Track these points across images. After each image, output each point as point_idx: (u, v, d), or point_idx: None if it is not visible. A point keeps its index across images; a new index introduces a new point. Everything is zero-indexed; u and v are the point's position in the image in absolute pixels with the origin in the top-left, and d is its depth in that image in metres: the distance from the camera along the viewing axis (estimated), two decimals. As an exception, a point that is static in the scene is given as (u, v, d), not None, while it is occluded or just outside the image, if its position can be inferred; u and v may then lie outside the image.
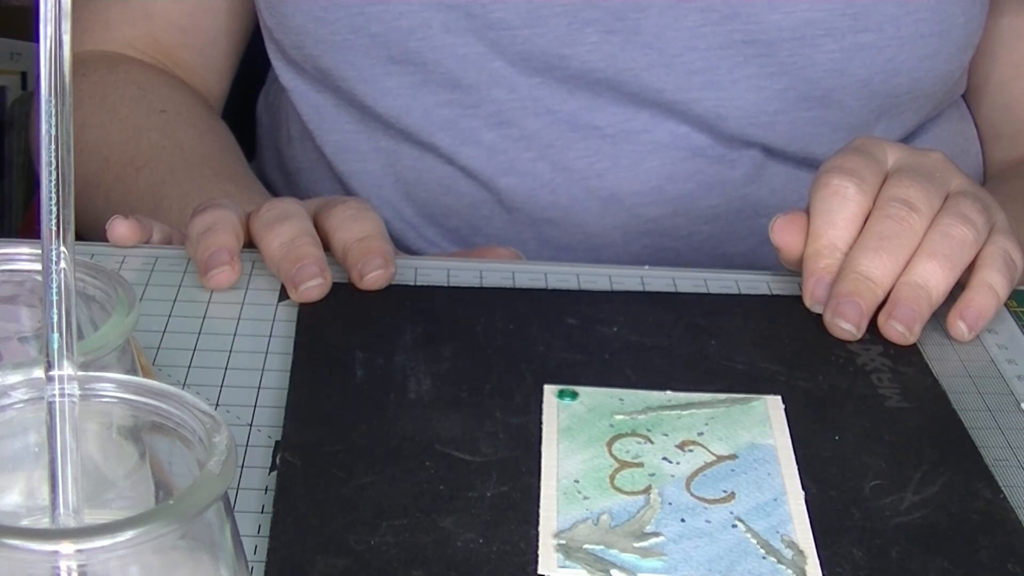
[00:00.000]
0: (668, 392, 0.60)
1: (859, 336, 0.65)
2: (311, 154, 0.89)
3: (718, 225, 0.85)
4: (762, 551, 0.51)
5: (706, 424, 0.58)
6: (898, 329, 0.65)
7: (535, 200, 0.83)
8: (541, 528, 0.51)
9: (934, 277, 0.65)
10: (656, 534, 0.51)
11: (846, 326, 0.65)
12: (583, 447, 0.56)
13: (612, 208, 0.84)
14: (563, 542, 0.51)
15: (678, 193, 0.84)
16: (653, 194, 0.84)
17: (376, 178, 0.86)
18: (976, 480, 0.56)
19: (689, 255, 0.85)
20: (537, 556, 0.50)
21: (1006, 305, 0.71)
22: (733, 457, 0.56)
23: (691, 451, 0.56)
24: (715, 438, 0.57)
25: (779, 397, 0.60)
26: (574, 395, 0.59)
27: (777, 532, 0.52)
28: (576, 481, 0.54)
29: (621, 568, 0.50)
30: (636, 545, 0.51)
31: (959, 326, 0.66)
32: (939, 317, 0.69)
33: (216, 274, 0.66)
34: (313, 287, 0.65)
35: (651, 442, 0.57)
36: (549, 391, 0.59)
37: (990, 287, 0.66)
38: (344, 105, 0.85)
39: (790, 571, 0.50)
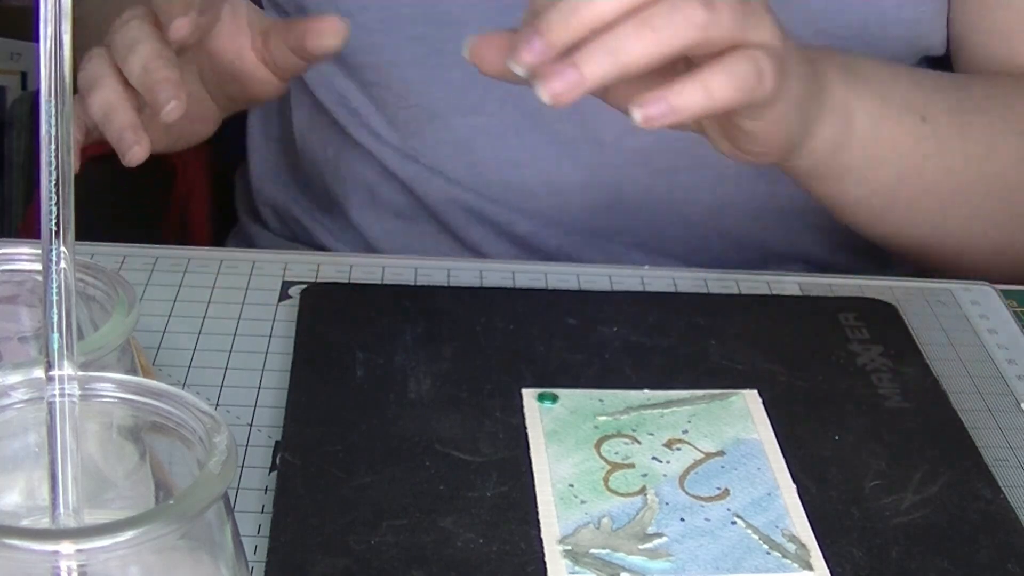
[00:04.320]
0: (646, 391, 0.60)
1: (522, 72, 0.57)
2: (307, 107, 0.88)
3: (677, 178, 0.83)
4: (765, 546, 0.51)
5: (689, 421, 0.58)
6: (522, 61, 0.56)
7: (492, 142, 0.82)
8: (544, 535, 0.51)
9: (627, 41, 0.56)
10: (659, 535, 0.51)
11: (516, 67, 0.56)
12: (572, 450, 0.56)
13: (574, 153, 0.82)
14: (569, 548, 0.51)
15: (638, 145, 0.82)
16: (613, 145, 0.82)
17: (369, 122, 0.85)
18: (976, 480, 0.56)
19: (649, 208, 0.83)
20: (538, 557, 0.50)
21: (1006, 305, 0.71)
22: (721, 454, 0.56)
23: (679, 449, 0.56)
24: (700, 435, 0.57)
25: (755, 391, 0.60)
26: (554, 398, 0.59)
27: (776, 527, 0.52)
28: (571, 485, 0.54)
29: (631, 571, 0.50)
30: (641, 547, 0.51)
31: (634, 112, 0.57)
32: (940, 318, 0.69)
33: (131, 154, 0.66)
34: (171, 110, 0.65)
35: (638, 442, 0.57)
36: (528, 395, 0.59)
37: (703, 85, 0.58)
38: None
39: (795, 564, 0.50)
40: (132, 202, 1.00)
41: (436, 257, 0.80)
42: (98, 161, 0.84)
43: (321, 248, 0.89)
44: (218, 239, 1.00)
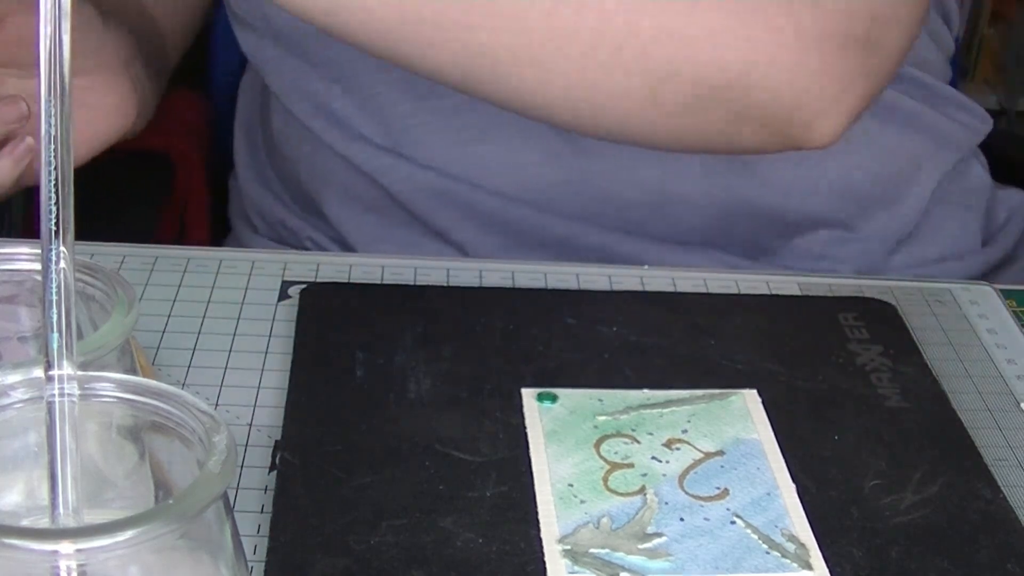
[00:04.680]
0: (646, 390, 0.60)
1: None
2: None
3: (631, 150, 0.81)
4: (764, 546, 0.51)
5: (688, 421, 0.58)
6: None
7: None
8: (543, 534, 0.51)
9: None
10: (658, 535, 0.51)
11: None
12: (571, 450, 0.56)
13: (528, 127, 0.80)
14: (568, 547, 0.51)
15: None
16: None
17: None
18: (976, 480, 0.56)
19: (607, 178, 0.81)
20: (537, 557, 0.50)
21: (1006, 305, 0.71)
22: (720, 453, 0.56)
23: (678, 449, 0.56)
24: (700, 435, 0.57)
25: (755, 391, 0.60)
26: (554, 398, 0.59)
27: (776, 526, 0.52)
28: (570, 485, 0.54)
29: (630, 571, 0.50)
30: (641, 547, 0.51)
31: None
32: (940, 318, 0.69)
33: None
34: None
35: (637, 442, 0.57)
36: (528, 395, 0.59)
37: None
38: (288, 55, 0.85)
39: (795, 564, 0.50)
40: (128, 206, 1.00)
41: (436, 257, 0.80)
42: (93, 163, 0.84)
43: (308, 249, 0.89)
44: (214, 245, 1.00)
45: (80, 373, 0.35)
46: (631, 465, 0.55)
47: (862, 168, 0.82)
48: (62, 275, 0.33)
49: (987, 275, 0.85)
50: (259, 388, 0.60)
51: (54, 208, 0.33)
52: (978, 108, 0.90)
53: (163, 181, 1.00)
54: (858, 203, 0.83)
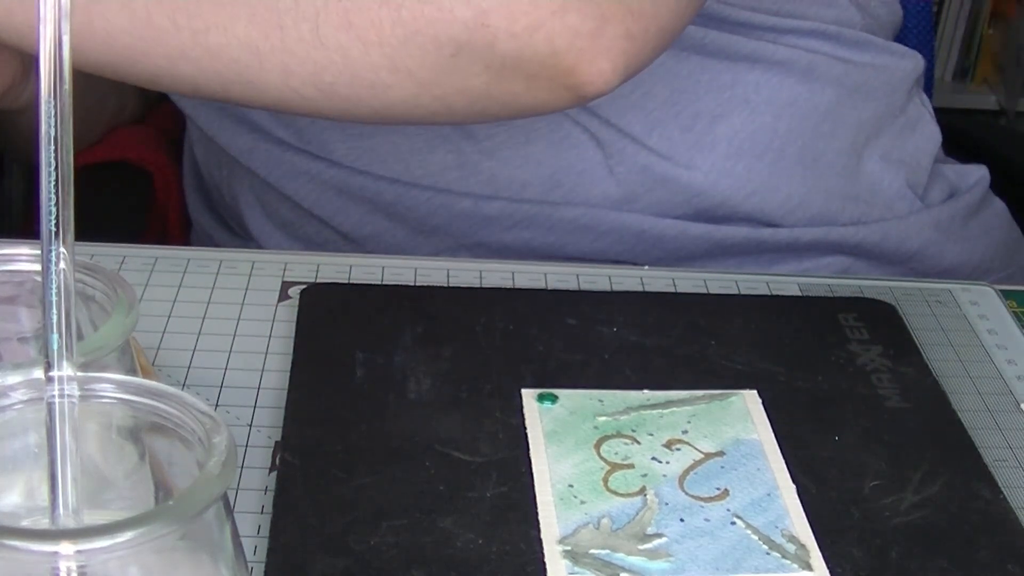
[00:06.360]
0: (646, 391, 0.60)
1: None
2: None
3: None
4: (765, 547, 0.51)
5: (688, 422, 0.58)
6: None
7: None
8: (543, 535, 0.51)
9: None
10: (659, 535, 0.51)
11: None
12: (571, 451, 0.56)
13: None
14: (568, 548, 0.51)
15: None
16: None
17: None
18: (975, 480, 0.56)
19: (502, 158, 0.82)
20: (537, 557, 0.50)
21: (1005, 305, 0.71)
22: (721, 454, 0.56)
23: (679, 450, 0.56)
24: (700, 435, 0.57)
25: (755, 391, 0.60)
26: (554, 398, 0.59)
27: (776, 527, 0.52)
28: (570, 486, 0.54)
29: (630, 571, 0.50)
30: (641, 547, 0.51)
31: None
32: (940, 318, 0.69)
33: None
34: None
35: (638, 442, 0.57)
36: (528, 395, 0.59)
37: None
38: None
39: (795, 565, 0.50)
40: (109, 218, 1.00)
41: (436, 257, 0.80)
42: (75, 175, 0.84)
43: None
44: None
45: (80, 374, 0.35)
46: (631, 466, 0.55)
47: (765, 127, 0.80)
48: (62, 276, 0.33)
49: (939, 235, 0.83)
50: (259, 388, 0.60)
51: (54, 208, 0.33)
52: (904, 48, 0.87)
53: (145, 193, 1.00)
54: (773, 166, 0.80)
